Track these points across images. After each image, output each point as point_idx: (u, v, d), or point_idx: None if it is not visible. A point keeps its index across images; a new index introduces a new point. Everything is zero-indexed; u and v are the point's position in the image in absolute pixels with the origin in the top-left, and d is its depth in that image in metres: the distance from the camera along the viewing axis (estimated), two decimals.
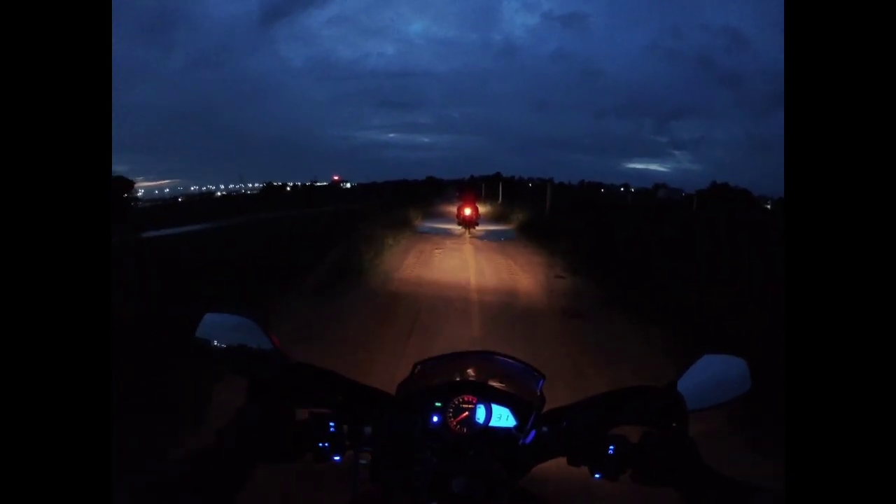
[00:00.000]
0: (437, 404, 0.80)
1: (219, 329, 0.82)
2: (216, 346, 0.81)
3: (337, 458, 0.79)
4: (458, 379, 0.84)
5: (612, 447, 0.78)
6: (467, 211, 10.96)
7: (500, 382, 0.84)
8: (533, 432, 0.80)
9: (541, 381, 0.87)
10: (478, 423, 0.80)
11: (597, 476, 0.79)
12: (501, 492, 0.77)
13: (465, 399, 0.80)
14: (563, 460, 0.81)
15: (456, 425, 0.80)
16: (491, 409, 0.80)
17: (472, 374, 0.87)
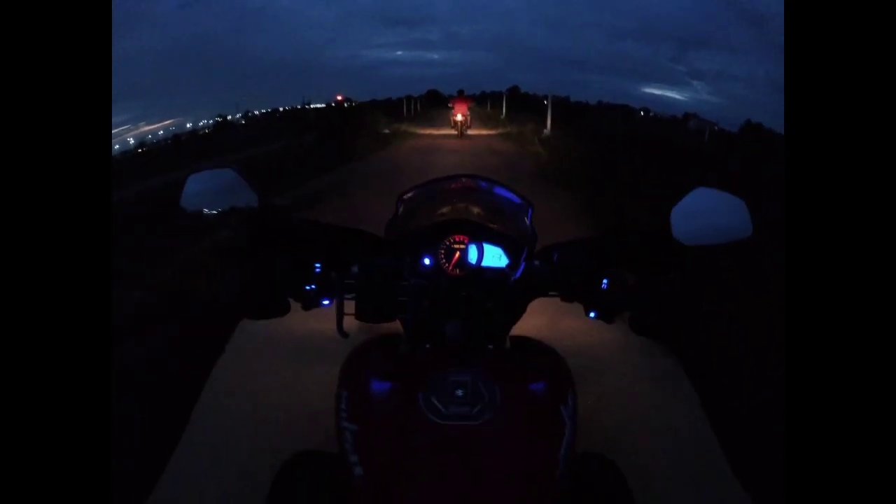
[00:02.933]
0: (428, 246, 0.79)
1: (204, 188, 0.81)
2: (203, 207, 0.80)
3: (326, 301, 0.78)
4: (447, 217, 0.83)
5: (605, 281, 0.76)
6: (459, 116, 15.07)
7: (491, 219, 0.83)
8: (523, 265, 0.80)
9: (530, 211, 0.86)
10: (470, 264, 0.79)
11: (592, 315, 0.77)
12: (496, 336, 0.78)
13: (456, 239, 0.79)
14: (559, 304, 0.80)
15: (448, 267, 0.79)
16: (482, 248, 0.79)
17: (462, 211, 0.85)
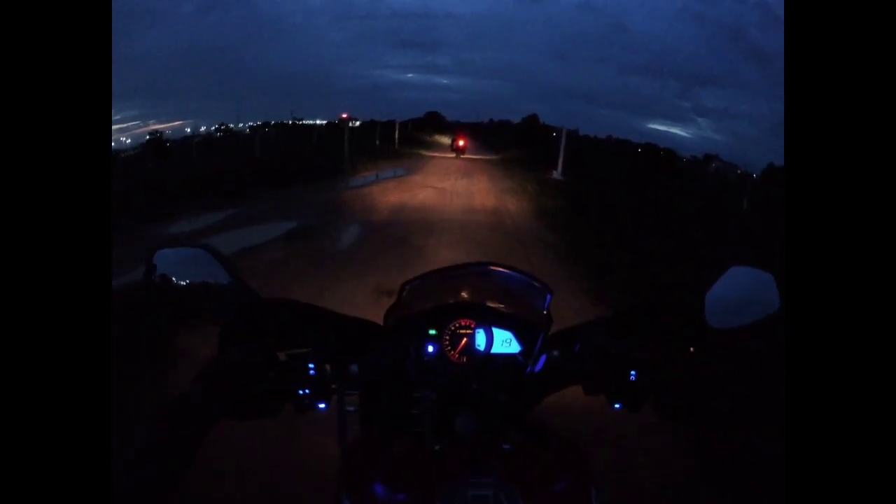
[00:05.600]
0: (432, 332, 0.76)
1: (174, 266, 0.76)
2: (172, 286, 0.76)
3: (321, 405, 0.74)
4: (452, 301, 0.80)
5: (633, 373, 0.74)
6: (461, 142, 23.53)
7: (501, 301, 0.80)
8: (542, 358, 0.77)
9: (548, 297, 0.82)
10: (478, 351, 0.76)
11: (616, 406, 0.75)
12: (511, 428, 0.73)
13: (462, 324, 0.77)
14: (576, 389, 0.78)
15: (454, 355, 0.77)
16: (492, 333, 0.76)
17: (468, 293, 0.82)
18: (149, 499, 0.58)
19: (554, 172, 14.40)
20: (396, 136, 25.48)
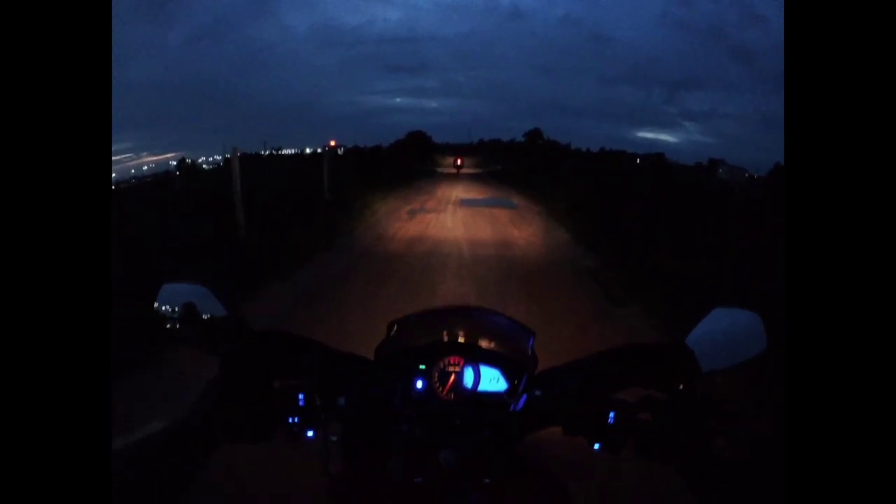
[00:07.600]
0: (421, 367, 0.80)
1: (177, 299, 0.83)
2: (174, 317, 0.83)
3: (310, 433, 0.79)
4: (442, 338, 0.84)
5: (612, 414, 0.77)
6: (458, 161, 34.09)
7: (488, 341, 0.84)
8: (524, 396, 0.80)
9: (531, 339, 0.86)
10: (466, 388, 0.80)
11: (596, 447, 0.78)
12: (493, 463, 0.77)
13: (451, 361, 0.80)
14: (558, 428, 0.81)
15: (442, 391, 0.80)
16: (479, 371, 0.80)
17: (457, 333, 0.86)
18: None
19: None
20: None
